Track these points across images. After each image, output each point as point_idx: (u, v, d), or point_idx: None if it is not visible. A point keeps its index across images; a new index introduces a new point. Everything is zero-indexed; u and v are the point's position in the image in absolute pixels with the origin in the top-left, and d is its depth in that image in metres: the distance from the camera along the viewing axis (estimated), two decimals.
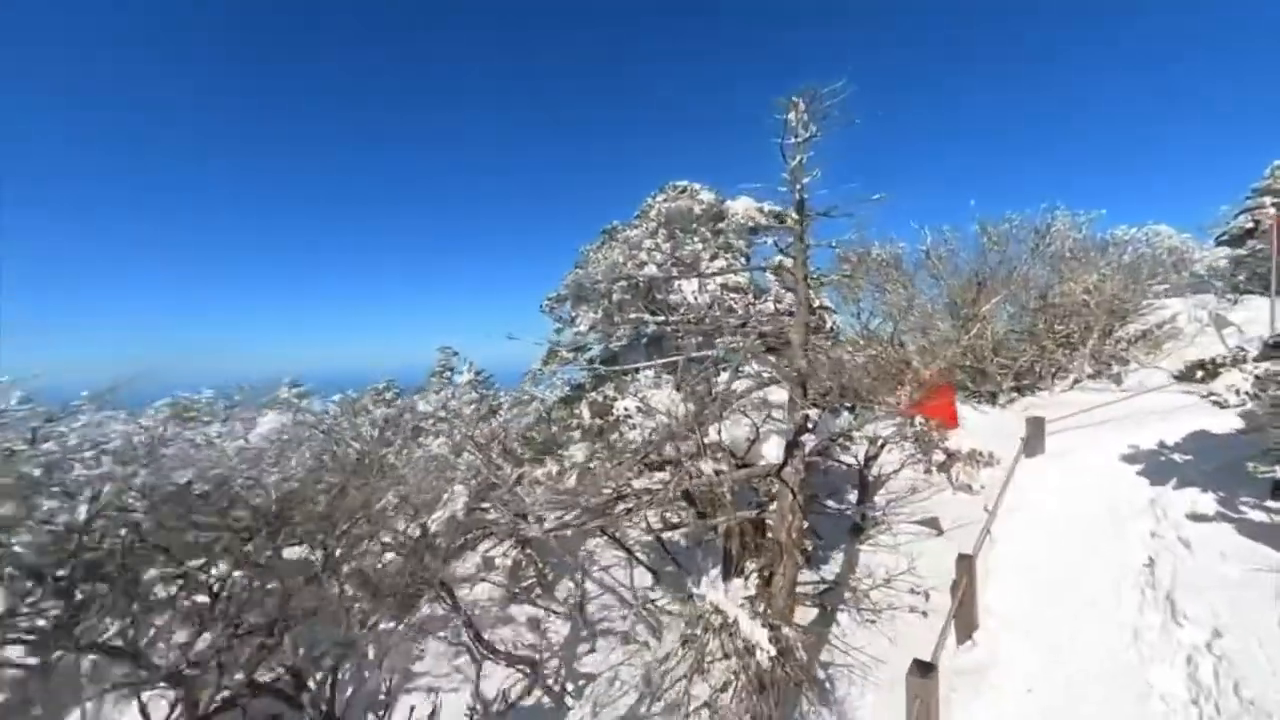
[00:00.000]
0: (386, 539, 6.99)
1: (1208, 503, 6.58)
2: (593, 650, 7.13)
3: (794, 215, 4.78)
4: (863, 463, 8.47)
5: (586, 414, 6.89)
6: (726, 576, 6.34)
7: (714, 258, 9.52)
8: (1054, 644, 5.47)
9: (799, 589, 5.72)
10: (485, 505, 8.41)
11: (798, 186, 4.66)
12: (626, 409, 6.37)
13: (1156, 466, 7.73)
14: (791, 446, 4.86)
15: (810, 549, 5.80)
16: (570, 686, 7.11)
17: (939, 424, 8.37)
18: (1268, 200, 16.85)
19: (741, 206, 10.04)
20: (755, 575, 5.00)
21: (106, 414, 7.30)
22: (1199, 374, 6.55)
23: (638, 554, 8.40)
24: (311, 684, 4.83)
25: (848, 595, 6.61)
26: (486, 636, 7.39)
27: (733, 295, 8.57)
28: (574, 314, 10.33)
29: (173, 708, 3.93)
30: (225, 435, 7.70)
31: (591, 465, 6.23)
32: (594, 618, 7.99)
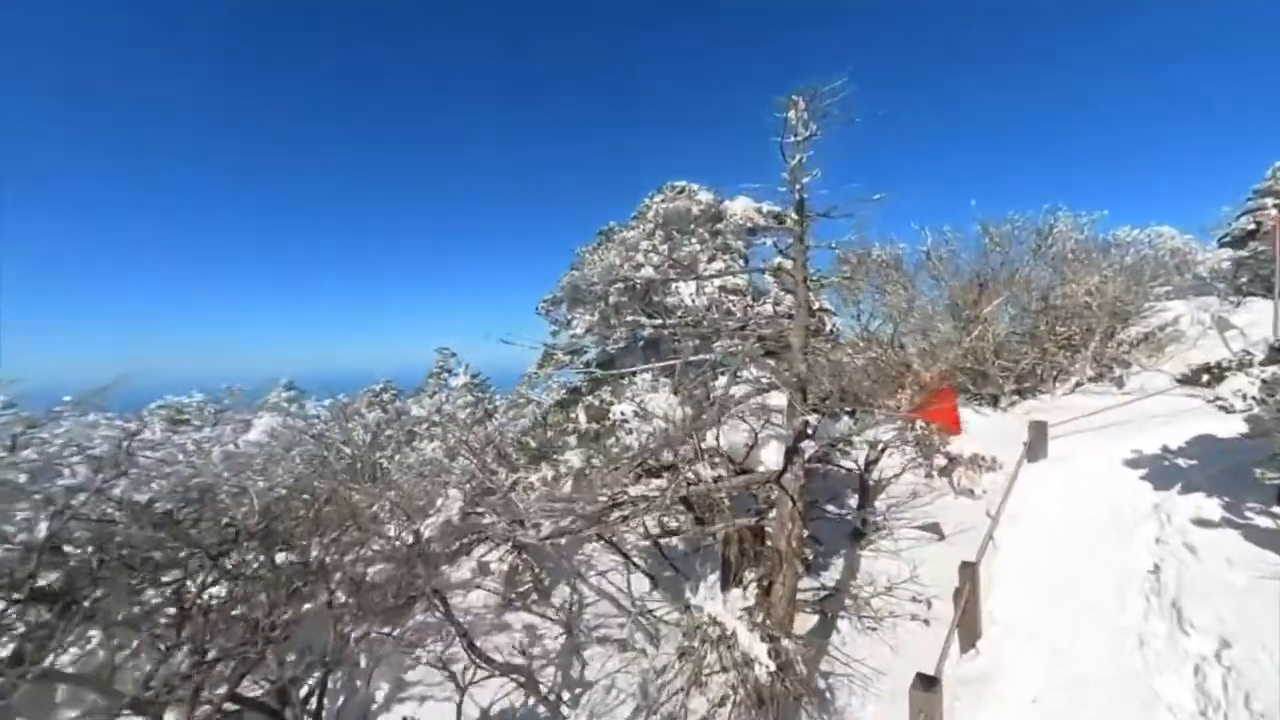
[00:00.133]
0: (378, 546, 6.87)
1: (1213, 508, 6.49)
2: (587, 661, 7.01)
3: (793, 216, 4.68)
4: (863, 467, 8.38)
5: (583, 418, 6.78)
6: (725, 584, 6.23)
7: (712, 259, 9.41)
8: (1058, 653, 5.38)
9: (798, 596, 5.62)
10: (480, 510, 8.30)
11: (798, 186, 4.56)
12: (623, 413, 6.26)
13: (1160, 471, 7.65)
14: (791, 452, 4.75)
15: (810, 557, 5.68)
16: (566, 695, 6.99)
17: (941, 429, 8.27)
18: (1269, 201, 16.80)
19: (740, 207, 9.94)
20: (754, 584, 4.88)
21: (92, 419, 7.18)
22: (1204, 378, 6.44)
23: (635, 559, 8.28)
24: (298, 696, 4.70)
25: (848, 602, 6.51)
26: (480, 644, 7.26)
27: (731, 297, 8.46)
28: (570, 316, 10.21)
29: None
30: (213, 440, 7.57)
31: (588, 471, 6.11)
32: (590, 624, 7.87)
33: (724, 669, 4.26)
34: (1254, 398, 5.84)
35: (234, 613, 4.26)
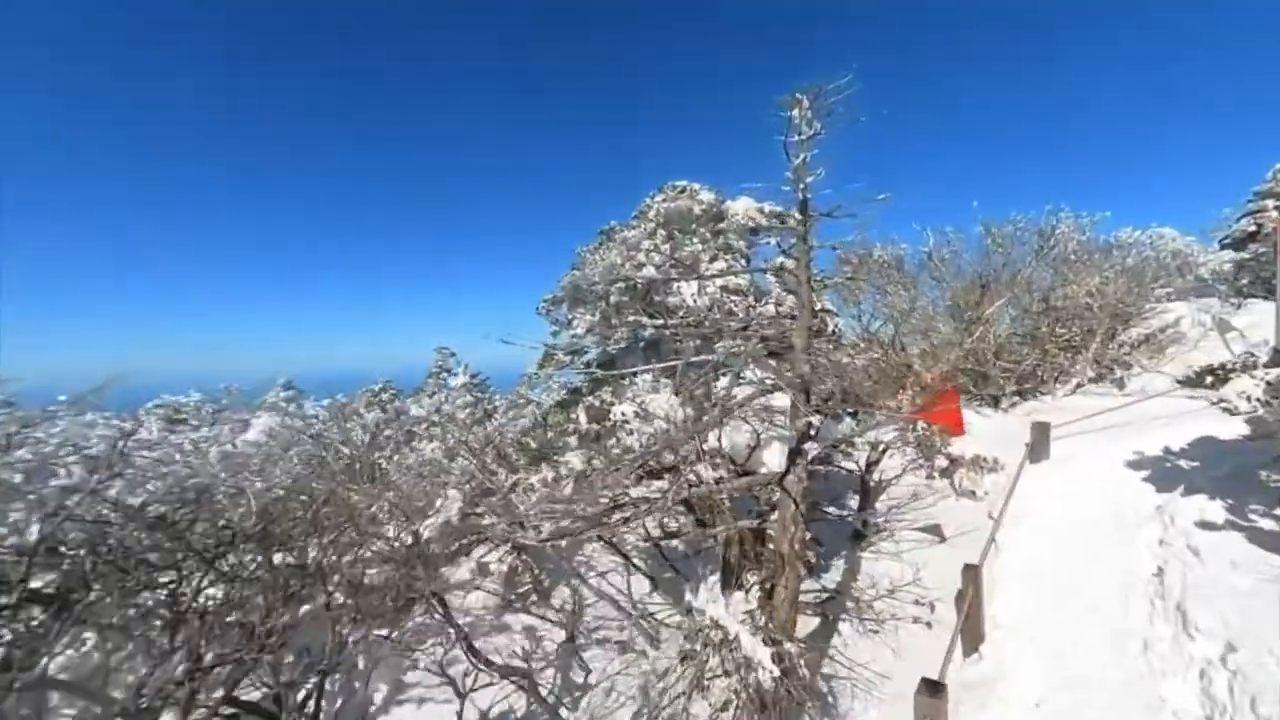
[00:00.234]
0: (376, 547, 6.82)
1: (1216, 510, 6.46)
2: (587, 663, 6.96)
3: (797, 215, 4.64)
4: (864, 468, 8.34)
5: (583, 419, 6.74)
6: (725, 586, 6.19)
7: (714, 259, 9.36)
8: (1062, 656, 5.34)
9: (800, 598, 5.58)
10: (480, 511, 8.25)
11: (801, 186, 4.52)
12: (624, 414, 6.22)
13: (1163, 473, 7.62)
14: (794, 454, 4.71)
15: (812, 559, 5.64)
16: (565, 697, 6.95)
17: (944, 430, 8.24)
18: (1269, 203, 16.80)
19: (742, 207, 9.89)
20: (756, 587, 4.84)
21: (89, 418, 7.11)
22: (1209, 379, 6.41)
23: (635, 561, 8.24)
24: (296, 699, 4.65)
25: (850, 605, 6.47)
26: (480, 646, 7.22)
27: (733, 298, 8.41)
28: (571, 316, 10.15)
29: None
30: (210, 441, 7.51)
31: (588, 472, 6.07)
32: (590, 626, 7.83)
33: (726, 673, 4.22)
34: (1259, 399, 5.81)
35: (230, 618, 4.20)
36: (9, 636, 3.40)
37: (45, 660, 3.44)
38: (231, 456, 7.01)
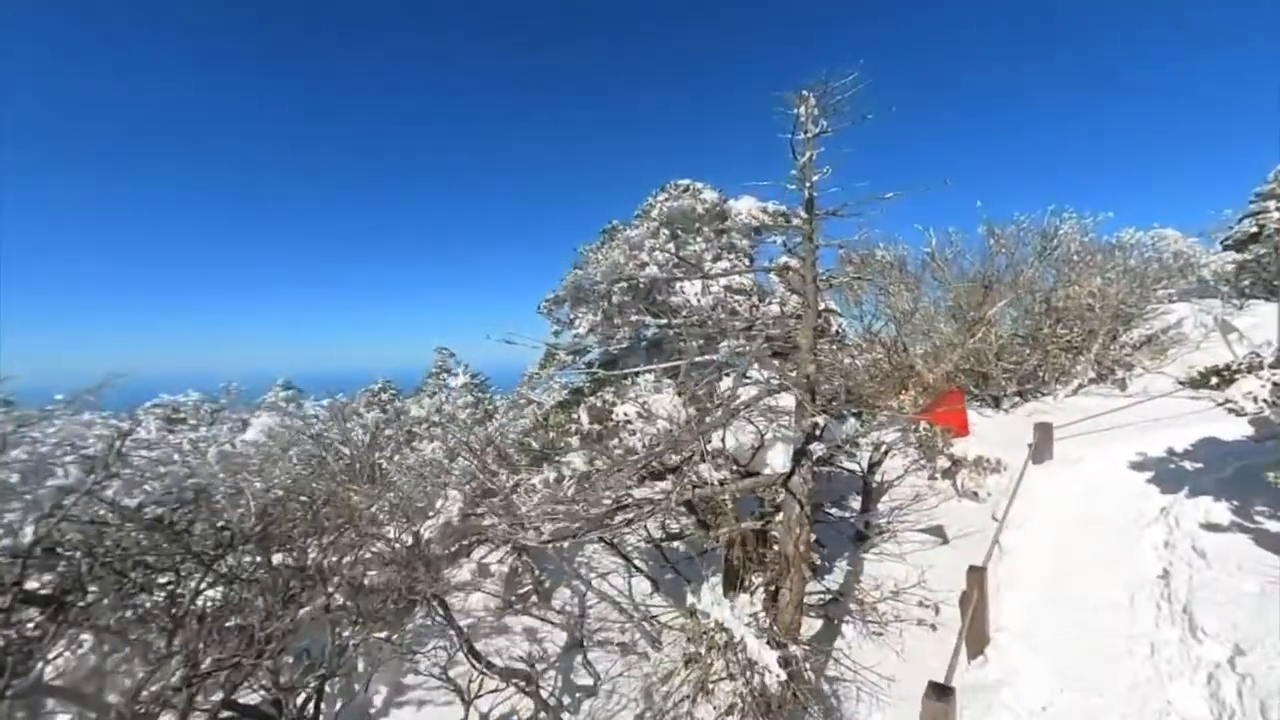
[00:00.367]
0: (377, 548, 6.76)
1: (1221, 512, 6.43)
2: (589, 665, 6.91)
3: (802, 214, 4.60)
4: (866, 469, 8.30)
5: (585, 419, 6.69)
6: (728, 588, 6.15)
7: (717, 258, 9.31)
8: (1068, 660, 5.30)
9: (804, 600, 5.53)
10: (480, 512, 8.20)
11: (807, 184, 4.48)
12: (626, 414, 6.17)
13: (1167, 474, 7.58)
14: (799, 455, 4.66)
15: (817, 561, 5.60)
16: (567, 699, 6.90)
17: (949, 431, 8.20)
18: (1271, 205, 16.79)
19: (745, 206, 9.84)
20: (761, 590, 4.79)
21: (87, 418, 7.05)
22: (1213, 380, 6.37)
23: (636, 562, 8.19)
24: (295, 702, 4.59)
25: (854, 607, 6.42)
26: (481, 648, 7.16)
27: (737, 297, 8.37)
28: (573, 316, 10.10)
29: None
30: (209, 440, 7.44)
31: (590, 474, 6.02)
32: (591, 627, 7.78)
33: (731, 676, 4.17)
34: (1265, 400, 5.77)
35: (229, 621, 4.14)
36: (1, 642, 3.34)
37: (40, 665, 3.38)
38: (230, 457, 6.94)
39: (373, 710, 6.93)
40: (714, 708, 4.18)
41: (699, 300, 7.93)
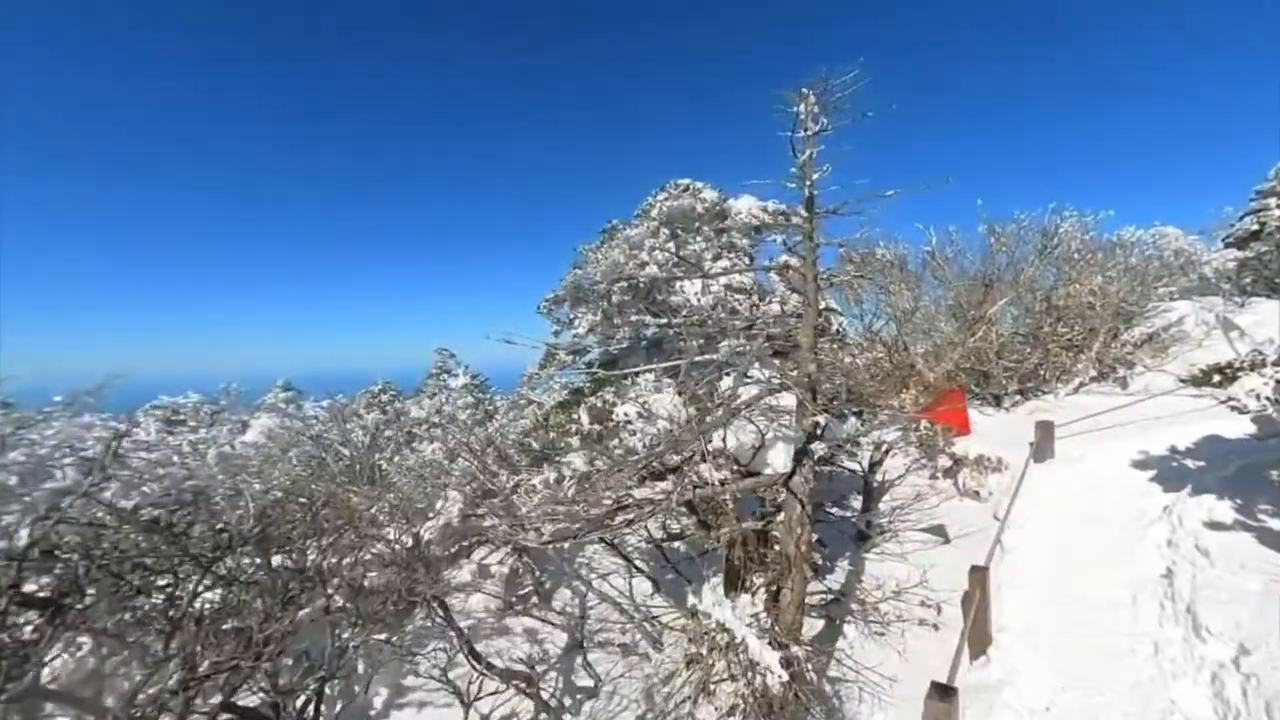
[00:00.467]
0: (377, 549, 6.75)
1: (1225, 510, 6.40)
2: (590, 666, 6.89)
3: (802, 212, 4.58)
4: (867, 469, 8.28)
5: (585, 419, 6.67)
6: (729, 588, 6.12)
7: (717, 258, 9.29)
8: (1071, 660, 5.28)
9: (805, 600, 5.51)
10: (481, 512, 8.18)
11: (807, 182, 4.46)
12: (626, 414, 6.15)
13: (1169, 472, 7.56)
14: (800, 454, 4.64)
15: (819, 561, 5.57)
16: (568, 700, 6.88)
17: (951, 429, 8.17)
18: (1272, 202, 16.76)
19: (745, 205, 9.82)
20: (762, 590, 4.77)
21: (87, 419, 7.03)
22: (1216, 378, 6.34)
23: (637, 562, 8.17)
24: (295, 705, 4.57)
25: (855, 607, 6.40)
26: (482, 649, 7.14)
27: (737, 296, 8.35)
28: (573, 316, 10.07)
29: None
30: (209, 442, 7.42)
31: (591, 474, 6.00)
32: (592, 628, 7.76)
33: (732, 677, 4.15)
34: (1268, 398, 5.73)
35: (226, 625, 4.12)
36: None
37: (36, 669, 3.36)
38: (229, 458, 6.92)
39: (373, 712, 6.91)
40: (715, 709, 4.16)
41: (699, 300, 7.91)
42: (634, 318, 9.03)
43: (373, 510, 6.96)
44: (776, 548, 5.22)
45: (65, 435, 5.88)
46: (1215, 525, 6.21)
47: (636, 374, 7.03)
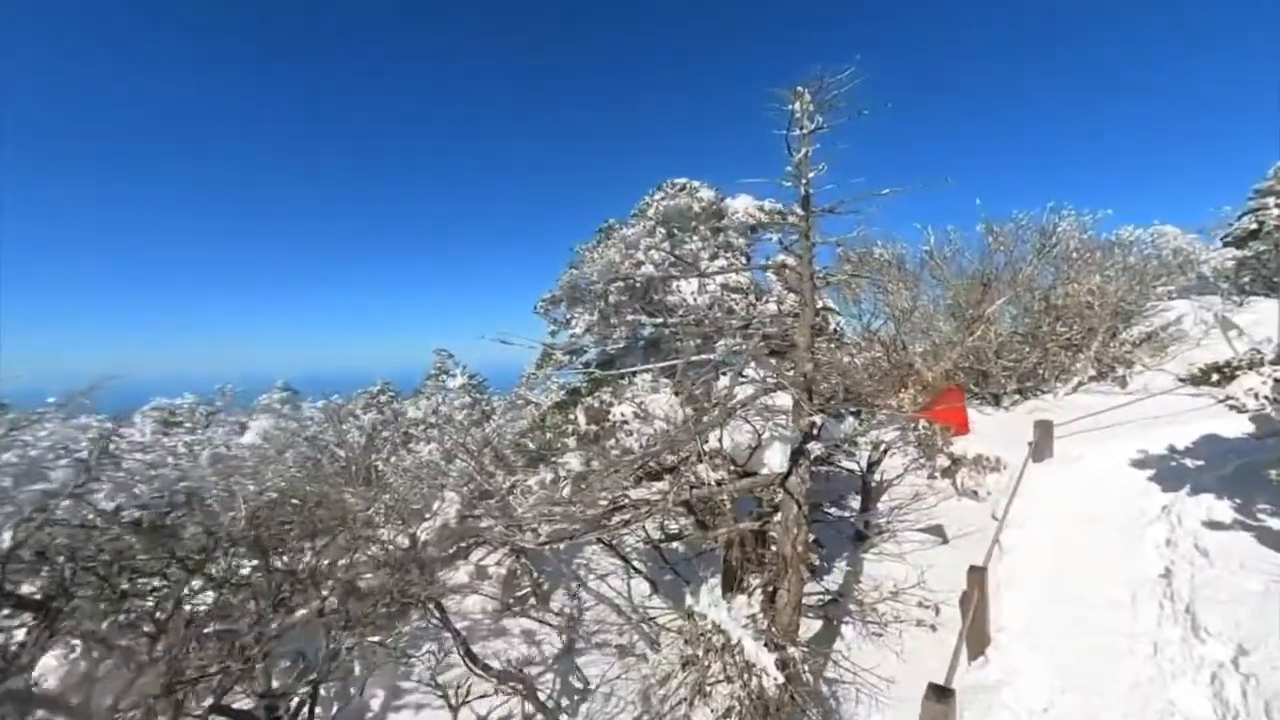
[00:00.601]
0: (372, 551, 6.72)
1: (1224, 510, 6.38)
2: (587, 667, 6.87)
3: (799, 211, 4.56)
4: (865, 468, 8.26)
5: (582, 420, 6.64)
6: (727, 589, 6.10)
7: (714, 257, 9.27)
8: (1069, 660, 5.25)
9: (802, 600, 5.48)
10: (478, 513, 8.15)
11: (803, 181, 4.43)
12: (623, 414, 6.12)
13: (1168, 472, 7.54)
14: (797, 454, 4.62)
15: (816, 562, 5.55)
16: (565, 702, 6.85)
17: (949, 429, 8.15)
18: (1271, 201, 16.75)
19: (742, 204, 9.80)
20: (759, 591, 4.74)
21: (83, 420, 6.99)
22: (1214, 377, 6.32)
23: (635, 563, 8.15)
24: (289, 707, 4.55)
25: (853, 608, 6.37)
26: (478, 650, 7.11)
27: (733, 296, 8.33)
28: (569, 315, 10.05)
29: None
30: (204, 443, 7.39)
31: (587, 474, 5.97)
32: (590, 629, 7.73)
33: (728, 679, 4.12)
34: (1267, 397, 5.71)
35: (218, 625, 4.09)
36: None
37: (27, 672, 3.32)
38: (224, 459, 6.89)
39: (369, 715, 6.88)
40: (711, 710, 4.14)
41: (695, 299, 7.90)
42: (630, 318, 9.01)
43: (368, 511, 6.93)
44: (774, 548, 5.20)
45: (60, 437, 5.85)
46: (1214, 525, 6.19)
47: (633, 374, 7.00)
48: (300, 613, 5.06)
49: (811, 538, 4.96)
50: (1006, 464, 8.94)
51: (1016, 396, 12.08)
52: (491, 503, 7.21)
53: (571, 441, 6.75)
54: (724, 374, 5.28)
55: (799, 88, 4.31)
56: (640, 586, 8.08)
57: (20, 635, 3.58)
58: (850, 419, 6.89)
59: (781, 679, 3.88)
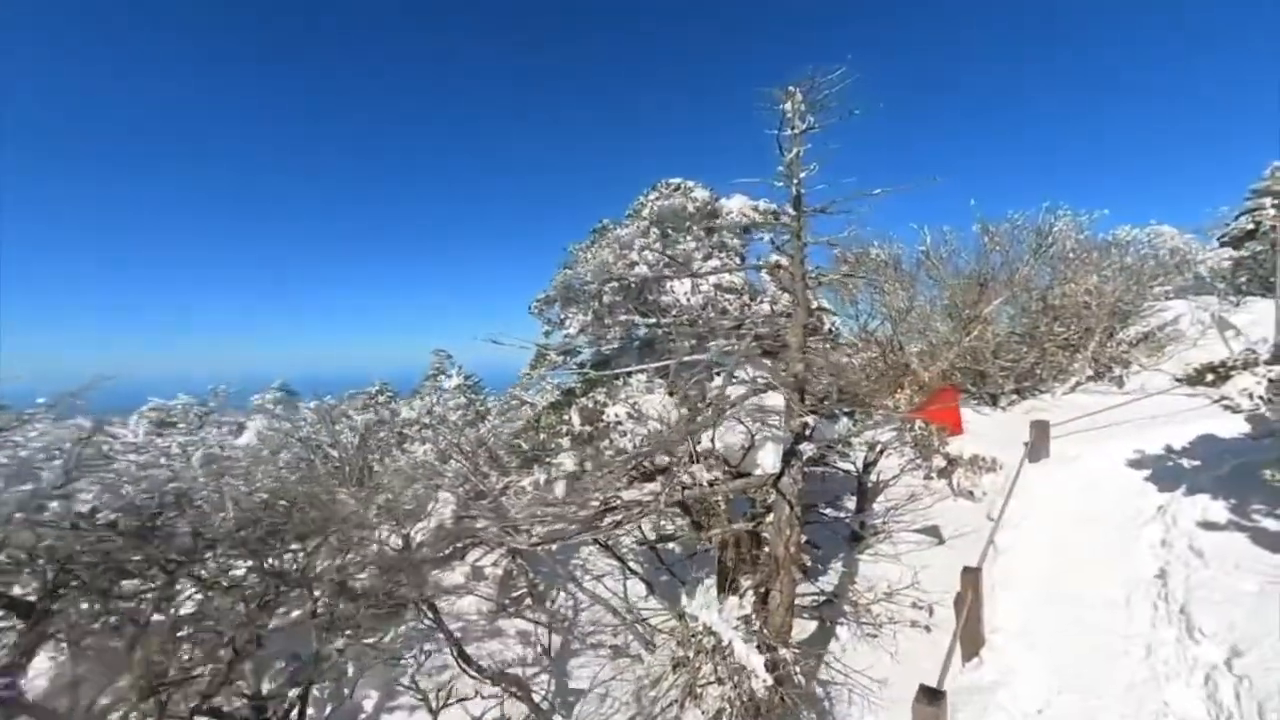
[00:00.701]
0: (365, 551, 6.70)
1: (1219, 510, 6.37)
2: (581, 668, 6.84)
3: (790, 211, 4.54)
4: (861, 469, 8.23)
5: (576, 420, 6.63)
6: (721, 589, 6.07)
7: (708, 257, 9.25)
8: (1064, 661, 5.23)
9: (796, 601, 5.47)
10: (474, 514, 8.13)
11: (795, 181, 4.42)
12: (617, 415, 6.10)
13: (1164, 472, 7.53)
14: (789, 455, 4.60)
15: (808, 562, 5.53)
16: (559, 702, 6.82)
17: (944, 429, 8.13)
18: (1267, 201, 16.74)
19: (736, 204, 9.79)
20: (751, 592, 4.72)
21: (80, 421, 6.96)
22: (1209, 377, 6.31)
23: (631, 564, 8.12)
24: (280, 709, 4.52)
25: (847, 609, 6.35)
26: (474, 651, 7.09)
27: (727, 296, 8.32)
28: (563, 316, 10.03)
29: None
30: (197, 444, 7.36)
31: (580, 475, 5.95)
32: (586, 630, 7.70)
33: (719, 681, 4.10)
34: (1261, 397, 5.71)
35: (200, 627, 4.06)
36: None
37: (12, 675, 3.30)
38: (217, 459, 6.86)
39: (363, 716, 6.85)
40: (703, 712, 4.12)
41: (689, 299, 7.88)
42: (624, 318, 9.00)
43: (361, 512, 6.91)
44: (767, 549, 5.18)
45: (53, 438, 5.82)
46: (1209, 525, 6.18)
47: (628, 374, 6.98)
48: (294, 614, 5.04)
49: (804, 539, 4.94)
50: (1003, 464, 8.92)
51: (1014, 396, 12.07)
52: (485, 503, 7.18)
53: (565, 442, 6.73)
54: (717, 374, 5.26)
55: (790, 87, 4.29)
56: (636, 587, 8.05)
57: (16, 639, 3.56)
58: (844, 419, 6.87)
59: (771, 681, 3.86)
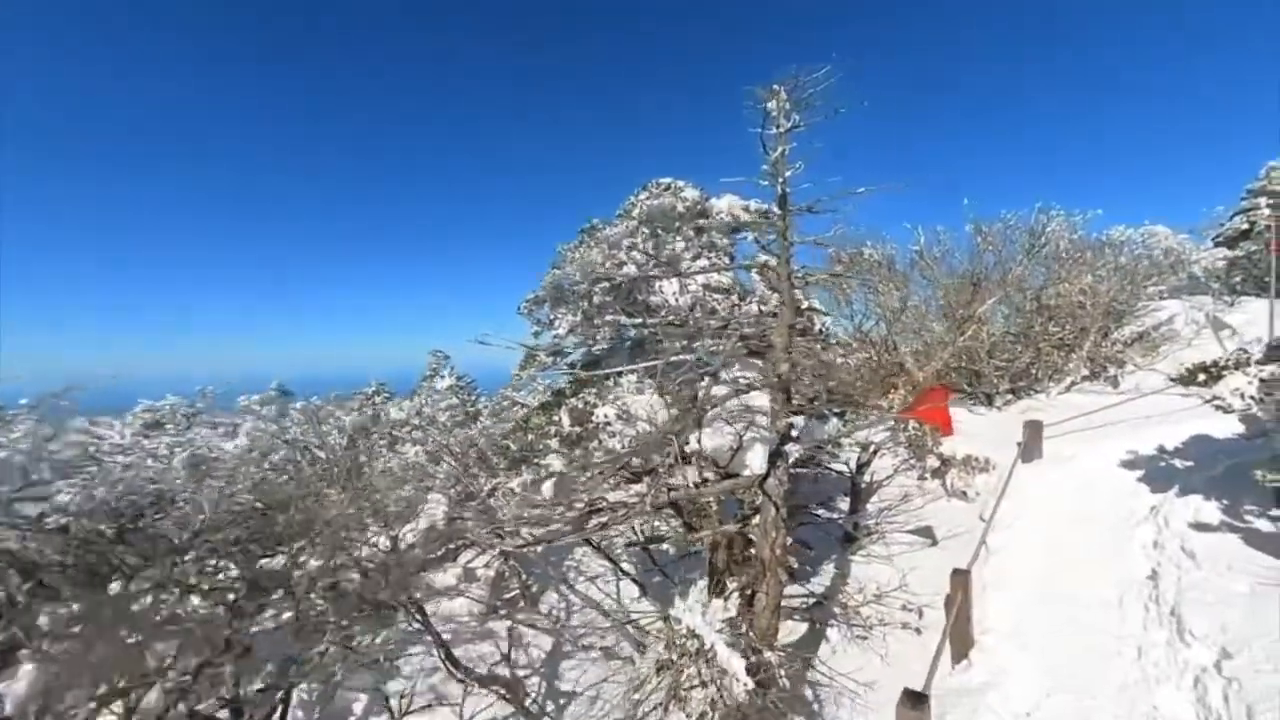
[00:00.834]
0: (354, 552, 6.65)
1: (1211, 511, 6.33)
2: (573, 670, 6.81)
3: (776, 210, 4.51)
4: (854, 470, 8.20)
5: (565, 421, 6.58)
6: (712, 591, 6.04)
7: (696, 257, 9.23)
8: (1054, 663, 5.20)
9: (786, 603, 5.43)
10: (465, 515, 8.09)
11: (780, 180, 4.39)
12: (606, 416, 6.07)
13: (1157, 472, 7.49)
14: (774, 456, 4.56)
15: (795, 565, 5.49)
16: (550, 705, 6.78)
17: (933, 429, 8.10)
18: (1263, 201, 16.75)
19: (726, 204, 9.77)
20: (737, 594, 4.69)
21: (79, 423, 6.91)
22: (1201, 377, 6.28)
23: (624, 565, 8.09)
24: (263, 714, 4.48)
25: (838, 610, 6.32)
26: (465, 653, 7.05)
27: (716, 296, 8.29)
28: (553, 316, 10.01)
29: None
30: (185, 445, 7.32)
31: (568, 476, 5.92)
32: (578, 632, 7.67)
33: (704, 683, 4.07)
34: (1252, 397, 5.68)
35: (179, 629, 4.01)
36: None
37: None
38: (204, 461, 6.81)
39: (352, 718, 6.81)
40: (687, 715, 4.08)
41: (677, 299, 7.86)
42: (611, 318, 8.97)
43: (349, 513, 6.87)
44: (755, 551, 5.14)
45: (34, 439, 5.77)
46: (1201, 526, 6.14)
47: (617, 375, 6.95)
48: (285, 615, 4.99)
49: (789, 540, 4.90)
50: (996, 464, 8.89)
51: (1009, 396, 12.04)
52: (475, 505, 7.15)
53: (554, 443, 6.69)
54: (706, 375, 5.23)
55: (774, 86, 4.26)
56: (630, 589, 8.01)
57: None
58: (835, 420, 6.84)
59: (751, 684, 3.82)
